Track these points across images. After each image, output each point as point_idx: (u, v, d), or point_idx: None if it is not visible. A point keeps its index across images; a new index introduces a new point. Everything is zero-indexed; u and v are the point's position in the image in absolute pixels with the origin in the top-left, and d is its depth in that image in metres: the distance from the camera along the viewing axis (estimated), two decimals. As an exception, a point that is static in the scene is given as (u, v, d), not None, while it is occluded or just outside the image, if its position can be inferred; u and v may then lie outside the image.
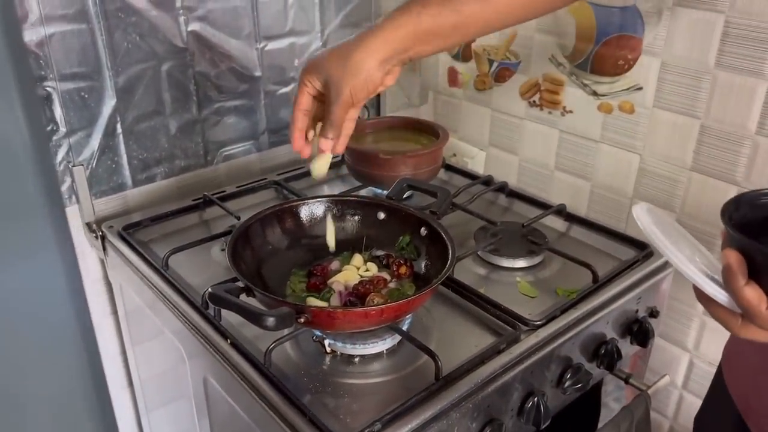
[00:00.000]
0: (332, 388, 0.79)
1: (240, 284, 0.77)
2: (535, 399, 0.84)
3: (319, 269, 0.89)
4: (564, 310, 0.90)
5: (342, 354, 0.83)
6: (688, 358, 1.23)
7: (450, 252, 0.84)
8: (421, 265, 0.91)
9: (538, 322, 0.87)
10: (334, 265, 0.92)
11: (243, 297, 0.76)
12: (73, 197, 1.09)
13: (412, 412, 0.74)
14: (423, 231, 0.91)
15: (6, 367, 0.40)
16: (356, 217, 0.96)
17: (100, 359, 0.47)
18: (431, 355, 0.78)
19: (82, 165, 1.08)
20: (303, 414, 0.73)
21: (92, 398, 0.48)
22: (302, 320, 0.73)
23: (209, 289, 0.73)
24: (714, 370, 1.18)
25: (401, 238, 0.93)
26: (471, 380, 0.79)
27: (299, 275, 0.89)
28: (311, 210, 0.95)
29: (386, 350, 0.84)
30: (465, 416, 0.77)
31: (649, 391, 1.03)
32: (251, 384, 0.78)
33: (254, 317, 0.69)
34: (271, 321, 0.69)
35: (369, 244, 0.95)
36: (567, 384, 0.89)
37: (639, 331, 0.99)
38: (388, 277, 0.89)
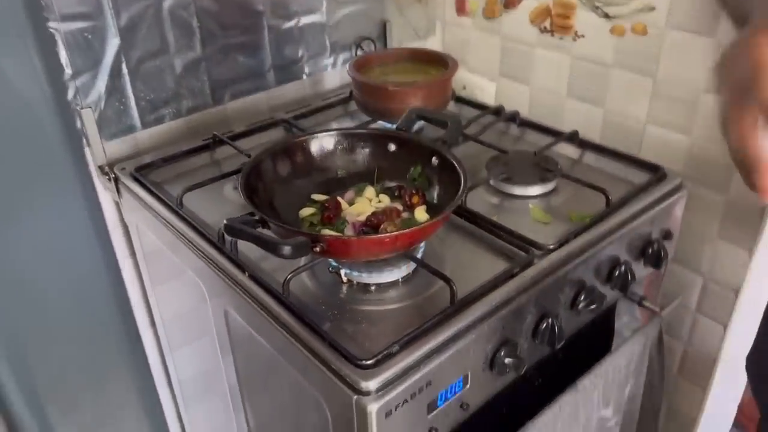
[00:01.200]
0: (350, 316, 0.80)
1: (255, 217, 0.78)
2: (549, 320, 0.86)
3: (331, 202, 0.89)
4: (577, 234, 0.91)
5: (358, 283, 0.84)
6: (701, 282, 1.24)
7: (462, 180, 0.84)
8: (434, 195, 0.91)
9: (551, 246, 0.88)
10: (347, 196, 0.92)
11: (258, 229, 0.77)
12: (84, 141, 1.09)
13: (428, 335, 0.75)
14: (434, 161, 0.91)
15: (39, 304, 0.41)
16: (366, 150, 0.96)
17: (128, 298, 0.48)
18: (446, 280, 0.79)
19: (90, 107, 1.08)
20: (323, 339, 0.75)
21: (122, 336, 0.49)
22: (318, 249, 0.74)
23: (225, 222, 0.74)
24: (729, 294, 1.19)
25: (412, 168, 0.93)
26: (485, 304, 0.80)
27: (312, 208, 0.90)
28: (321, 144, 0.94)
29: (401, 278, 0.85)
30: (480, 338, 0.79)
31: (663, 313, 1.05)
32: (271, 314, 0.80)
33: (271, 246, 0.70)
34: (287, 249, 0.70)
35: (381, 176, 0.95)
36: (581, 306, 0.90)
37: (653, 253, 0.99)
38: (400, 208, 0.89)
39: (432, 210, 0.89)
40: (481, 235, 0.92)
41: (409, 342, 0.74)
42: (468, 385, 0.80)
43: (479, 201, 1.00)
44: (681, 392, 1.36)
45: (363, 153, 0.96)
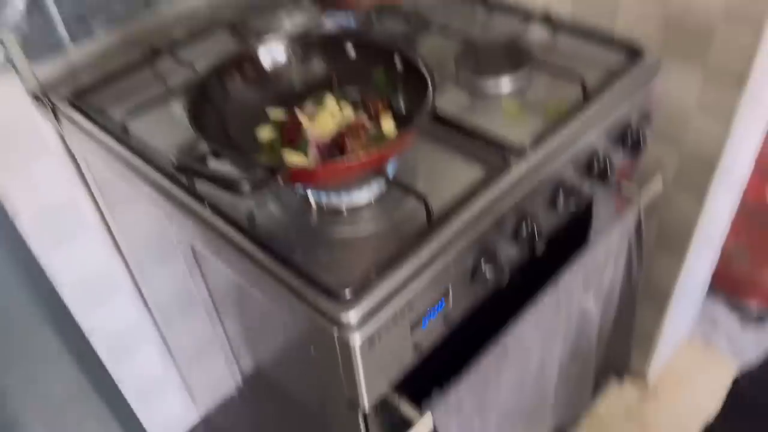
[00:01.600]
0: (323, 243, 0.76)
1: (208, 149, 0.71)
2: (529, 224, 0.83)
3: (290, 121, 0.82)
4: (553, 131, 0.86)
5: (328, 207, 0.80)
6: (677, 157, 1.21)
7: (429, 85, 0.78)
8: (400, 102, 0.84)
9: (527, 147, 0.83)
10: (307, 110, 0.85)
11: (213, 163, 0.71)
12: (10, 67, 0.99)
13: (405, 258, 0.72)
14: (398, 63, 0.84)
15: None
16: (323, 57, 0.88)
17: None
18: (420, 197, 0.75)
19: (10, 29, 0.96)
20: (298, 273, 0.71)
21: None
22: (281, 180, 0.69)
23: (174, 160, 0.68)
24: (705, 167, 1.17)
25: (375, 74, 0.86)
26: (463, 218, 0.76)
27: (270, 129, 0.83)
28: (272, 56, 0.86)
29: (374, 198, 0.80)
30: (460, 254, 0.76)
31: (641, 198, 1.03)
32: (240, 248, 0.75)
33: (227, 184, 0.65)
34: (246, 186, 0.64)
35: (341, 83, 0.88)
36: (560, 205, 0.87)
37: (632, 139, 0.96)
38: (366, 121, 0.83)
39: (400, 119, 0.83)
40: (453, 140, 0.87)
41: (386, 268, 0.71)
42: (450, 303, 0.78)
43: (449, 101, 0.94)
44: (657, 265, 1.38)
45: (319, 59, 0.88)
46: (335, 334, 0.68)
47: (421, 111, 0.75)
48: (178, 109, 0.97)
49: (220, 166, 0.70)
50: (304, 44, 0.87)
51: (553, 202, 0.87)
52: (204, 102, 0.79)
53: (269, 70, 0.86)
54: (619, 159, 0.97)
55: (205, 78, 0.80)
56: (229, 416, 1.42)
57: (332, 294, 0.68)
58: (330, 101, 0.85)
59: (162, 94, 0.96)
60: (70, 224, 1.14)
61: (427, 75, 0.78)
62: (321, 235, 0.77)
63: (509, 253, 0.84)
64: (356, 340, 0.67)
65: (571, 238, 1.01)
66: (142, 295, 1.31)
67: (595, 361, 1.21)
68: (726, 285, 1.75)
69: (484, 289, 0.83)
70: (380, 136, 0.81)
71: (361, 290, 0.68)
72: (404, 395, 0.80)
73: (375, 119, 0.83)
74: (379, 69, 0.85)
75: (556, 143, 0.85)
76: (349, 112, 0.84)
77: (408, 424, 0.79)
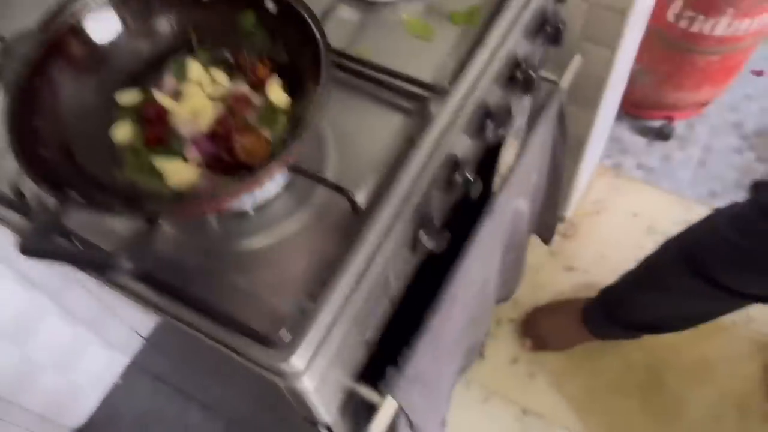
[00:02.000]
0: (235, 263, 0.63)
1: (56, 201, 0.54)
2: (462, 171, 0.72)
3: (150, 109, 0.64)
4: (471, 52, 0.72)
5: (228, 212, 0.65)
6: (586, 7, 1.09)
7: (312, 25, 0.61)
8: (281, 52, 0.66)
9: (447, 85, 0.69)
10: (167, 85, 0.66)
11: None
12: None
13: (342, 266, 0.60)
14: (270, 3, 0.65)
15: None
16: (170, 10, 0.67)
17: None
18: (339, 190, 0.61)
19: None
20: (215, 318, 0.59)
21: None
22: (167, 222, 0.53)
23: (19, 243, 0.50)
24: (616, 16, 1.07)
25: (242, 20, 0.67)
26: (395, 194, 0.64)
27: (127, 124, 0.64)
28: (102, 24, 0.64)
29: (282, 186, 0.66)
30: (399, 237, 0.65)
31: (562, 83, 0.92)
32: (136, 295, 0.61)
33: (101, 267, 0.49)
34: (127, 265, 0.49)
35: (202, 40, 0.68)
36: (489, 135, 0.76)
37: (551, 31, 0.83)
38: (247, 90, 0.65)
39: (288, 78, 0.66)
40: (358, 86, 0.71)
41: (321, 285, 0.59)
42: (392, 287, 0.69)
43: (338, 26, 0.76)
44: (573, 118, 1.31)
45: (165, 15, 0.67)
46: (281, 384, 0.58)
47: (319, 77, 0.58)
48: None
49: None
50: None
51: (479, 133, 0.76)
52: (28, 117, 0.59)
53: (103, 44, 0.65)
54: (539, 53, 0.85)
55: (22, 80, 0.59)
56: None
57: (267, 341, 0.57)
58: (194, 67, 0.66)
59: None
60: None
61: (305, 13, 0.61)
62: (229, 252, 0.63)
63: (444, 207, 0.74)
64: (306, 384, 0.58)
65: (494, 158, 0.91)
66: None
67: (527, 241, 1.18)
68: (630, 107, 1.73)
69: (423, 255, 0.73)
70: (270, 109, 0.64)
71: (298, 326, 0.57)
72: (362, 383, 0.73)
73: (257, 84, 0.65)
74: (247, 12, 0.66)
75: (477, 67, 0.71)
76: (221, 78, 0.66)
77: (373, 409, 0.73)
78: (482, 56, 0.71)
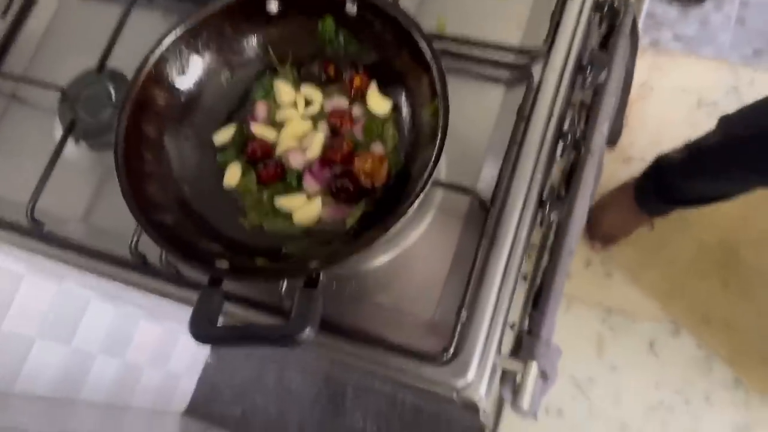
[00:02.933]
0: (373, 280, 0.61)
1: (214, 271, 0.52)
2: (571, 135, 0.69)
3: (255, 147, 0.60)
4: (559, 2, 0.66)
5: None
6: None
7: (400, 19, 0.57)
8: (369, 53, 0.62)
9: (545, 46, 0.65)
10: (259, 112, 0.62)
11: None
12: None
13: (485, 271, 0.59)
14: (350, 5, 0.60)
15: None
16: (244, 36, 0.62)
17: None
18: (467, 192, 0.59)
19: None
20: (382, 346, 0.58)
21: None
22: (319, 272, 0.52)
23: (192, 332, 0.49)
24: None
25: (320, 27, 0.62)
26: (520, 182, 0.62)
27: (236, 168, 0.61)
28: (180, 63, 0.60)
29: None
30: (529, 222, 0.63)
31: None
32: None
33: (286, 343, 0.48)
34: (311, 335, 0.48)
35: (282, 56, 0.63)
36: (587, 84, 0.72)
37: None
38: (345, 102, 0.61)
39: (383, 79, 0.61)
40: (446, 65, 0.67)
41: (472, 296, 0.58)
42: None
43: (407, 3, 0.70)
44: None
45: (242, 41, 0.62)
46: (455, 397, 0.58)
47: (428, 71, 0.54)
48: (75, 154, 0.71)
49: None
50: (211, 26, 0.60)
51: (574, 84, 0.72)
52: (140, 188, 0.56)
53: (189, 88, 0.60)
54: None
55: (121, 151, 0.56)
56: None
57: (434, 359, 0.57)
58: (282, 88, 0.62)
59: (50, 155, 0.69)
60: None
61: (389, 8, 0.57)
62: (365, 273, 0.62)
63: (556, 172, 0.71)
64: (481, 392, 0.58)
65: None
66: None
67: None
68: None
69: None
70: (374, 120, 0.60)
71: (461, 337, 0.57)
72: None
73: (355, 93, 0.62)
74: (325, 19, 0.61)
75: (572, 18, 0.66)
76: (314, 94, 0.62)
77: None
78: (574, 6, 0.66)
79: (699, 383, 1.37)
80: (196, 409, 1.53)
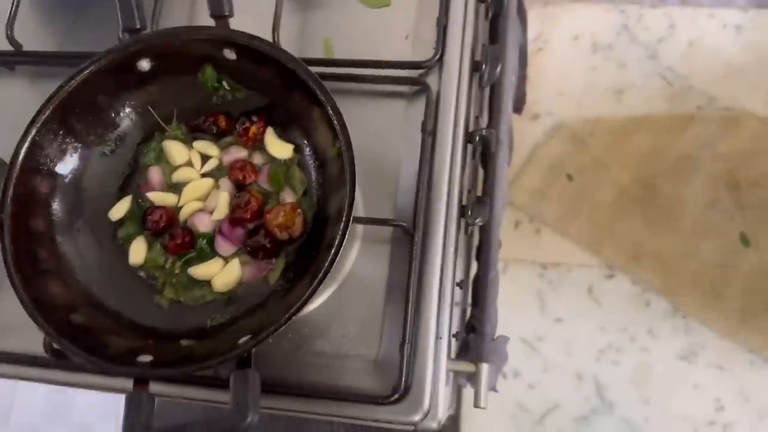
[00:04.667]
0: (309, 326, 0.60)
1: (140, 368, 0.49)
2: (480, 130, 0.68)
3: (156, 217, 0.56)
4: (444, 4, 0.64)
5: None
6: None
7: (278, 57, 0.54)
8: (257, 97, 0.58)
9: (437, 53, 0.63)
10: (153, 178, 0.58)
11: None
12: None
13: (420, 292, 0.58)
14: (228, 52, 0.56)
15: None
16: (120, 104, 0.57)
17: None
18: (394, 224, 0.57)
19: None
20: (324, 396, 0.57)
21: None
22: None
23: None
24: None
25: (201, 77, 0.58)
26: (438, 201, 0.60)
27: (141, 246, 0.57)
28: (56, 145, 0.55)
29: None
30: (456, 236, 0.62)
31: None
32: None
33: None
34: (251, 417, 0.46)
35: (168, 118, 0.59)
36: (486, 78, 0.71)
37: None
38: (243, 152, 0.58)
39: (279, 123, 0.58)
40: (337, 88, 0.64)
41: (413, 327, 0.57)
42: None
43: (288, 33, 0.66)
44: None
45: (118, 110, 0.57)
46: (416, 429, 0.57)
47: (319, 102, 0.52)
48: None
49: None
50: (78, 100, 0.55)
51: (472, 83, 0.70)
52: (39, 291, 0.51)
53: (72, 174, 0.56)
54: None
55: (11, 256, 0.51)
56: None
57: (386, 400, 0.56)
58: (173, 147, 0.58)
59: None
60: None
61: (267, 48, 0.54)
62: (299, 321, 0.60)
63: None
64: (440, 416, 0.58)
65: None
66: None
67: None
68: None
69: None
70: (278, 165, 0.58)
71: (408, 370, 0.56)
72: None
73: (250, 141, 0.58)
74: (205, 68, 0.57)
75: (458, 18, 0.64)
76: (209, 148, 0.59)
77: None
78: (458, 6, 0.64)
79: (640, 318, 1.42)
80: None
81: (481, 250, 0.76)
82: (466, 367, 0.73)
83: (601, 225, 1.51)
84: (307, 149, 0.57)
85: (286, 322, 0.47)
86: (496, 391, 0.72)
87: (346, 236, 0.49)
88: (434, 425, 0.57)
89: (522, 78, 1.11)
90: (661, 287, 1.44)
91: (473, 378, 0.72)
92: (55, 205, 0.54)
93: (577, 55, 1.63)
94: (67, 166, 0.55)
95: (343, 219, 0.49)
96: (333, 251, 0.49)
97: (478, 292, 0.76)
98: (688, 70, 1.57)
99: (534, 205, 1.54)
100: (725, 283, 1.41)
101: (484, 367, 0.73)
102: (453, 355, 0.69)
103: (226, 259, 0.56)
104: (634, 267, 1.48)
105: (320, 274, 0.48)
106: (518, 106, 1.30)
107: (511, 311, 1.47)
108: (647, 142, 1.51)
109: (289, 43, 0.65)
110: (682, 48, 1.58)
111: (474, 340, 0.74)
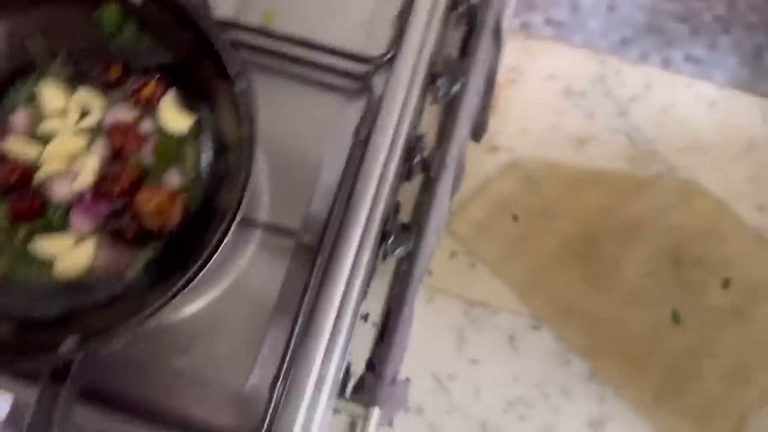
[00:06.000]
0: (171, 339, 0.49)
1: None
2: (417, 152, 0.59)
3: (8, 172, 0.45)
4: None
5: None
6: None
7: (188, 9, 0.44)
8: (164, 52, 0.48)
9: (389, 52, 0.54)
10: (17, 122, 0.48)
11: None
12: None
13: (312, 318, 0.49)
14: (134, -9, 0.46)
15: None
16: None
17: None
18: (291, 235, 0.48)
19: None
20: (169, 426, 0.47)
21: None
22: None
23: None
24: None
25: (103, 17, 0.47)
26: (355, 219, 0.51)
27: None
28: None
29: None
30: (367, 259, 0.53)
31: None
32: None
33: None
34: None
35: (54, 52, 0.48)
36: (440, 95, 0.62)
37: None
38: (131, 114, 0.48)
39: (184, 89, 0.48)
40: (270, 66, 0.54)
41: (291, 363, 0.48)
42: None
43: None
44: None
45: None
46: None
47: (227, 76, 0.43)
48: None
49: None
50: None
51: (425, 95, 0.62)
52: None
53: None
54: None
55: None
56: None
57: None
58: (50, 91, 0.47)
59: None
60: None
61: (196, 15, 0.44)
62: (161, 331, 0.50)
63: (403, 198, 0.61)
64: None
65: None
66: None
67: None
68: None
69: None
70: (169, 139, 0.47)
71: (276, 416, 0.47)
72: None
73: (144, 104, 0.48)
74: (108, 6, 0.47)
75: (421, 19, 0.56)
76: (92, 101, 0.48)
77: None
78: (424, 3, 0.56)
79: (557, 377, 1.36)
80: None
81: (399, 284, 0.67)
82: (355, 409, 0.64)
83: (537, 273, 1.45)
84: (209, 128, 0.47)
85: (123, 332, 0.37)
86: (391, 426, 0.64)
87: (226, 240, 0.40)
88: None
89: (487, 105, 1.03)
90: (585, 349, 1.39)
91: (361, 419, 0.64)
92: None
93: (548, 95, 1.57)
94: None
95: (226, 220, 0.40)
96: (205, 256, 0.39)
97: (386, 329, 0.68)
98: (655, 134, 1.52)
99: (474, 239, 1.47)
100: (648, 357, 1.37)
101: (374, 412, 0.65)
102: (347, 393, 0.61)
103: (80, 238, 0.45)
104: (561, 322, 1.42)
105: (183, 280, 0.39)
106: (478, 134, 1.22)
107: (428, 343, 1.39)
108: (600, 198, 1.46)
109: (227, 2, 0.55)
110: (653, 111, 1.54)
111: (371, 379, 0.66)
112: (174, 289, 0.39)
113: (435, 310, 1.42)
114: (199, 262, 0.39)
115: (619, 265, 1.45)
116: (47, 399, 0.36)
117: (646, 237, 1.47)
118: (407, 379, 0.73)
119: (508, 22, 1.57)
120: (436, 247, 0.76)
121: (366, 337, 0.68)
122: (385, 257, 0.59)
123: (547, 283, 1.44)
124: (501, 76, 1.55)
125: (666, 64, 1.57)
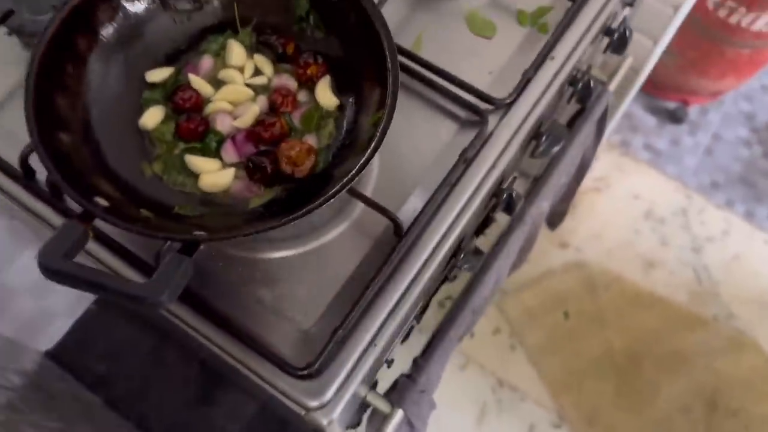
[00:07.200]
0: (262, 271, 0.58)
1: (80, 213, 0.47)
2: (506, 193, 0.67)
3: (185, 97, 0.56)
4: (536, 65, 0.65)
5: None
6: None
7: (374, 21, 0.54)
8: (334, 46, 0.59)
9: (509, 99, 0.63)
10: (203, 66, 0.59)
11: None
12: None
13: (380, 294, 0.57)
14: (327, -15, 0.57)
15: None
16: (215, -16, 0.58)
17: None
18: (386, 213, 0.56)
19: None
20: (247, 345, 0.54)
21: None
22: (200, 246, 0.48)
23: (39, 260, 0.45)
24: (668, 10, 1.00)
25: (295, 3, 0.59)
26: (441, 222, 0.59)
27: (158, 111, 0.57)
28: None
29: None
30: (439, 263, 0.61)
31: (611, 86, 0.87)
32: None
33: (138, 303, 0.44)
34: (166, 302, 0.44)
35: (248, 22, 0.60)
36: (540, 151, 0.71)
37: (618, 38, 0.76)
38: (293, 84, 0.58)
39: (338, 75, 0.59)
40: (407, 84, 0.65)
41: (354, 320, 0.55)
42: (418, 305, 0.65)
43: (388, 13, 0.68)
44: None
45: (210, -9, 0.59)
46: (302, 414, 0.55)
47: (383, 82, 0.52)
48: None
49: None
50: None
51: (533, 152, 0.71)
52: (48, 92, 0.51)
53: (137, 13, 0.56)
54: (600, 61, 0.79)
55: (43, 49, 0.51)
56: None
57: (294, 372, 0.53)
58: (236, 49, 0.59)
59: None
60: None
61: (368, 5, 0.54)
62: (256, 261, 0.58)
63: (482, 229, 0.69)
64: (332, 416, 0.55)
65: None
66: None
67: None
68: (648, 86, 1.67)
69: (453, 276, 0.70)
70: (317, 111, 0.58)
71: (329, 356, 0.54)
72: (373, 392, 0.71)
73: (306, 80, 0.59)
74: (302, -3, 0.58)
75: (542, 83, 0.65)
76: (266, 66, 0.59)
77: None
78: (549, 71, 0.65)
79: (562, 481, 1.36)
80: (60, 353, 1.44)
81: (455, 306, 0.74)
82: (382, 404, 0.70)
83: (573, 374, 1.47)
84: (350, 112, 0.57)
85: (247, 232, 0.46)
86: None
87: (341, 193, 0.49)
88: (324, 422, 0.54)
89: (570, 195, 1.10)
90: (598, 462, 1.39)
91: (382, 420, 0.69)
92: (108, 31, 0.55)
93: (629, 212, 1.63)
94: (136, 7, 0.56)
95: (347, 177, 0.49)
96: (322, 198, 0.48)
97: (431, 345, 0.74)
98: (722, 277, 1.55)
99: (521, 323, 1.51)
100: (660, 489, 1.35)
101: (398, 414, 0.70)
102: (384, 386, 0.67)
103: (224, 165, 0.55)
104: (583, 428, 1.43)
105: (296, 213, 0.47)
106: (554, 222, 1.29)
107: (450, 407, 1.42)
108: (654, 322, 1.48)
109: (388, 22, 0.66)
110: (726, 256, 1.57)
111: (404, 382, 0.72)
112: (283, 220, 0.48)
113: (466, 378, 1.46)
114: (306, 209, 0.48)
115: (655, 391, 1.46)
116: (173, 264, 0.45)
117: (688, 372, 1.47)
118: (432, 400, 0.78)
119: (609, 135, 1.66)
120: (488, 302, 0.82)
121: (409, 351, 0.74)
122: (451, 271, 0.66)
123: (580, 386, 1.46)
124: (589, 182, 1.63)
125: (749, 216, 1.61)
